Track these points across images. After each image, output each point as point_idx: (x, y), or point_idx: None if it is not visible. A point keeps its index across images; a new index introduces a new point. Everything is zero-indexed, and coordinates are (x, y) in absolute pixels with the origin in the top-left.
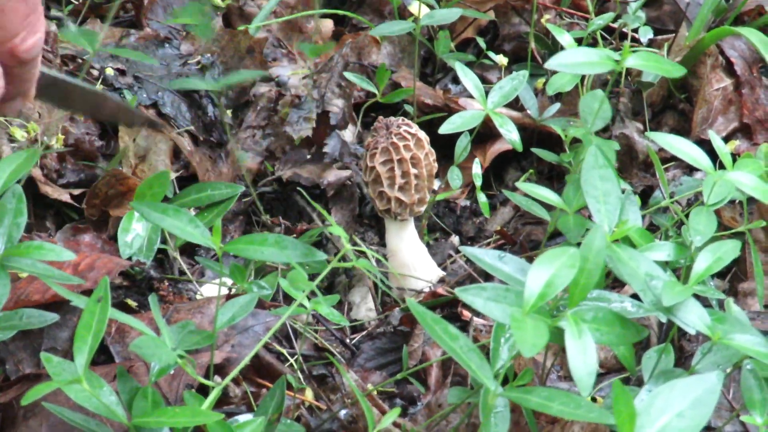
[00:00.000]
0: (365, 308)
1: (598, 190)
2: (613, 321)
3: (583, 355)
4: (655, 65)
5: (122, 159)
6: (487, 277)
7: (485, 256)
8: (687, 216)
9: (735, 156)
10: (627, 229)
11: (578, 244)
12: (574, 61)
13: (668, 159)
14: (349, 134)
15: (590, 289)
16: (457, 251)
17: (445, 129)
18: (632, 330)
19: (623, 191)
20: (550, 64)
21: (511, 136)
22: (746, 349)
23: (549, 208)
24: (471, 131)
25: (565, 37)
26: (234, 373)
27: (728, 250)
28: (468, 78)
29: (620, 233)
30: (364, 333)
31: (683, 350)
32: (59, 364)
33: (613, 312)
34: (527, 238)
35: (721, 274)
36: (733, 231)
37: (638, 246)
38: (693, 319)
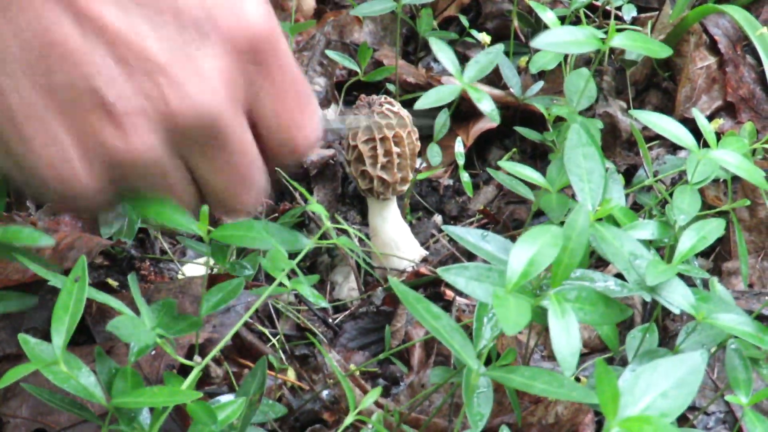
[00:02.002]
0: (347, 288)
1: (582, 169)
2: (597, 300)
3: (566, 335)
4: (641, 45)
5: None
6: (470, 257)
7: (468, 235)
8: (671, 195)
9: (719, 135)
10: (610, 208)
11: (562, 224)
12: (560, 40)
13: (652, 138)
14: (331, 113)
15: (573, 268)
16: (440, 230)
17: (420, 104)
18: (616, 309)
19: (607, 170)
20: (536, 43)
21: (487, 109)
22: (731, 328)
23: (533, 187)
24: (450, 108)
25: (548, 15)
26: (214, 351)
27: (712, 228)
28: (442, 53)
29: (604, 212)
30: (346, 313)
31: (667, 330)
32: (37, 345)
33: (596, 291)
34: (510, 218)
35: (705, 254)
36: (717, 210)
37: (622, 225)
38: (677, 298)
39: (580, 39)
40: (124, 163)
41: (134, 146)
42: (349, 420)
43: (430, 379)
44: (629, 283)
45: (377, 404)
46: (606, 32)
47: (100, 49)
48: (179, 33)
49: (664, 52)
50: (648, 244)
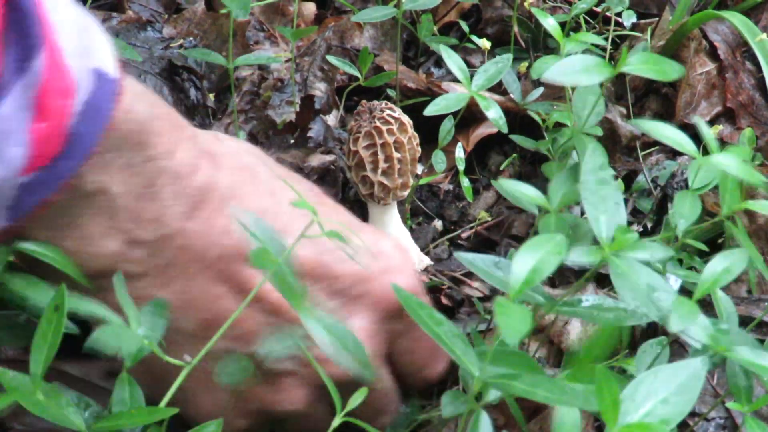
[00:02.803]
0: None
1: (597, 196)
2: None
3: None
4: (652, 68)
5: None
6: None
7: (480, 262)
8: (663, 199)
9: (720, 141)
10: (627, 239)
11: None
12: (570, 70)
13: (651, 143)
14: (332, 119)
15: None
16: (441, 235)
17: (430, 111)
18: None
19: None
20: (547, 76)
21: (494, 117)
22: (751, 364)
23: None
24: (455, 115)
25: (549, 21)
26: (204, 350)
27: (736, 260)
28: (452, 61)
29: (620, 244)
30: None
31: (667, 334)
32: (15, 378)
33: None
34: (508, 229)
35: (704, 256)
36: (719, 218)
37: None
38: (698, 333)
39: (591, 67)
40: (275, 414)
41: (284, 401)
42: (336, 422)
43: (443, 410)
44: (651, 317)
45: None
46: (607, 38)
47: (259, 317)
48: (331, 298)
49: (676, 73)
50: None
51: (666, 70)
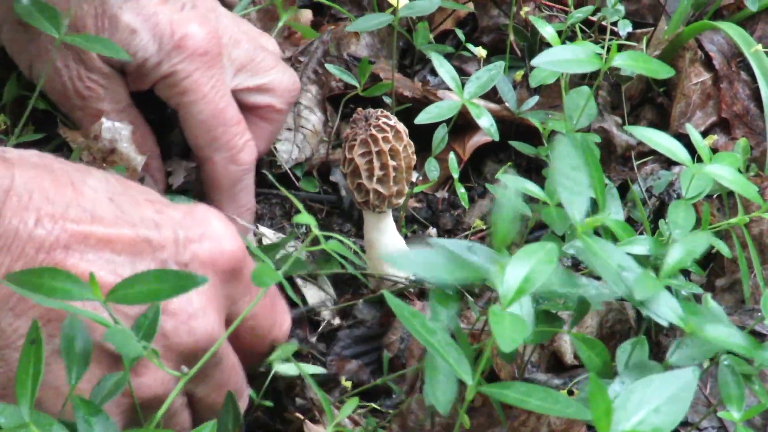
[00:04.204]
0: (318, 296)
1: (570, 180)
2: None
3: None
4: (641, 65)
5: (82, 157)
6: None
7: (453, 247)
8: (660, 209)
9: (714, 150)
10: (599, 219)
11: (562, 237)
12: (560, 58)
13: (646, 153)
14: (317, 121)
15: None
16: None
17: (421, 119)
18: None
19: (605, 186)
20: (536, 61)
21: (486, 125)
22: (720, 340)
23: (529, 201)
24: (448, 123)
25: (547, 29)
26: (201, 362)
27: (699, 242)
28: (444, 68)
29: (591, 224)
30: (323, 324)
31: (660, 345)
32: (4, 411)
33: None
34: None
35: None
36: (715, 227)
37: (620, 239)
38: (665, 311)
39: (581, 58)
40: (142, 402)
41: (149, 386)
42: (329, 430)
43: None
44: (619, 295)
45: (354, 421)
46: (603, 47)
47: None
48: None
49: (665, 72)
50: (645, 259)
51: (655, 69)
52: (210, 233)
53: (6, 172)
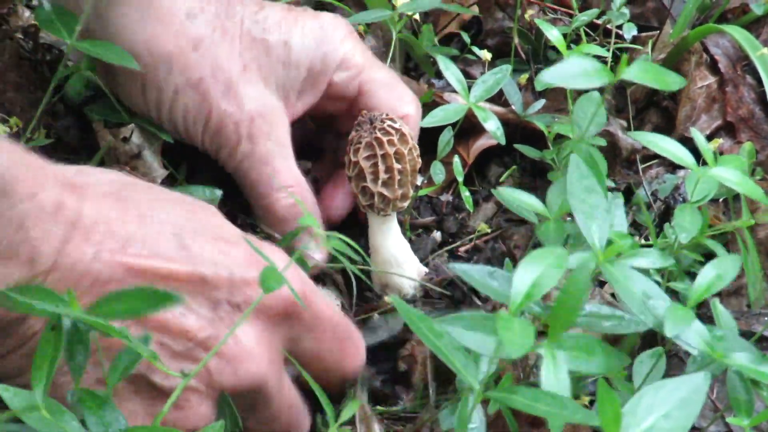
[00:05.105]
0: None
1: (586, 205)
2: (595, 349)
3: (557, 384)
4: (653, 77)
5: (105, 157)
6: None
7: (475, 272)
8: (665, 213)
9: (719, 154)
10: (620, 246)
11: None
12: (569, 73)
13: (651, 156)
14: None
15: (574, 318)
16: (440, 246)
17: (427, 122)
18: (613, 359)
19: (610, 190)
20: (544, 77)
21: (492, 128)
22: (747, 369)
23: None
24: (454, 126)
25: (553, 33)
26: (201, 364)
27: (728, 267)
28: (450, 71)
29: (612, 252)
30: None
31: (668, 351)
32: (17, 394)
33: (596, 340)
34: (511, 238)
35: None
36: (719, 230)
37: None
38: (696, 340)
39: (590, 71)
40: None
41: (188, 420)
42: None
43: (440, 423)
44: (647, 324)
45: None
46: (608, 50)
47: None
48: (213, 310)
49: (677, 84)
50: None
51: (667, 81)
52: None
53: (76, 205)
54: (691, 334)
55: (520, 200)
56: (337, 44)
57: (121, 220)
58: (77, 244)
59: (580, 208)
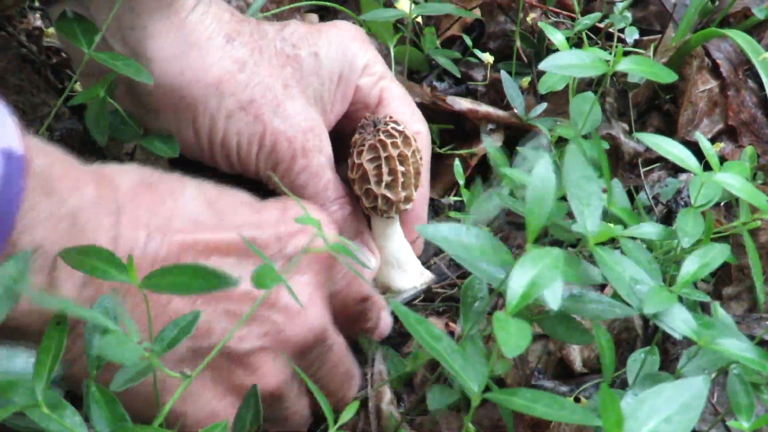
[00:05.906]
0: None
1: (582, 191)
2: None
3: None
4: (646, 69)
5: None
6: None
7: (447, 231)
8: (668, 215)
9: (721, 158)
10: (610, 231)
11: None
12: (566, 63)
13: (653, 160)
14: None
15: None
16: (442, 249)
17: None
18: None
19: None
20: (543, 65)
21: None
22: (733, 354)
23: None
24: (455, 129)
25: (557, 36)
26: (203, 364)
27: (716, 254)
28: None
29: (603, 236)
30: None
31: (668, 353)
32: (21, 385)
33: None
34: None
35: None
36: (725, 233)
37: (628, 225)
38: (679, 324)
39: (586, 62)
40: (262, 396)
41: (265, 379)
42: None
43: (428, 403)
44: (632, 308)
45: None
46: (610, 53)
47: (212, 307)
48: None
49: (669, 77)
50: (650, 266)
51: (660, 73)
52: (306, 228)
53: (113, 194)
54: (676, 320)
55: (524, 179)
56: (360, 50)
57: (159, 200)
58: (127, 229)
59: (576, 194)
